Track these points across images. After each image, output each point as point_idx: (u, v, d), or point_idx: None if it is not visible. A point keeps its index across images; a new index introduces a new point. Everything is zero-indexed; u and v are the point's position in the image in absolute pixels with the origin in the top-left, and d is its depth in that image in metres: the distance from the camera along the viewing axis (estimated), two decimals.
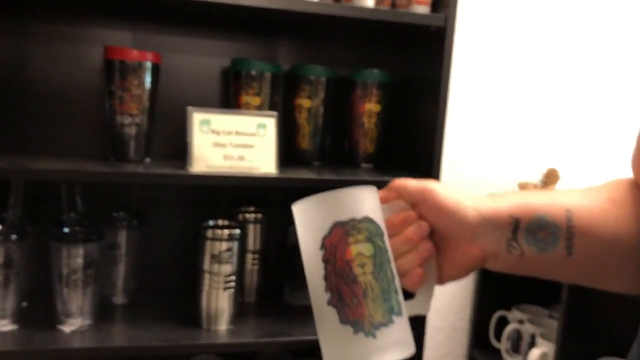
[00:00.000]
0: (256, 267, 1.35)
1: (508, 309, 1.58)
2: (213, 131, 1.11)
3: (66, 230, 1.13)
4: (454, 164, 1.59)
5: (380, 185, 0.56)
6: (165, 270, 1.38)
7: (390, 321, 0.50)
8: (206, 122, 1.11)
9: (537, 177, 1.68)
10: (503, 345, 1.54)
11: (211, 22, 1.32)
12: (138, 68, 1.14)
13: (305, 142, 1.33)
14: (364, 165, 1.36)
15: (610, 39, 1.69)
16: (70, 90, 1.28)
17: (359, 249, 0.50)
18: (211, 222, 1.19)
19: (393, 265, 0.53)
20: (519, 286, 1.61)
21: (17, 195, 1.14)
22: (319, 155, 1.35)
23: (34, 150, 1.25)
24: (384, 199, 0.55)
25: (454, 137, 1.59)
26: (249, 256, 1.34)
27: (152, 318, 1.22)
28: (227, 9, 1.11)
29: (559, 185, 1.64)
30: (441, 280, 0.57)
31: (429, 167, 1.18)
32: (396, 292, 0.52)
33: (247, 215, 1.34)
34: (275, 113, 1.17)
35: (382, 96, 1.33)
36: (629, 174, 0.62)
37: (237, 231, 1.17)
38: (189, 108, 1.11)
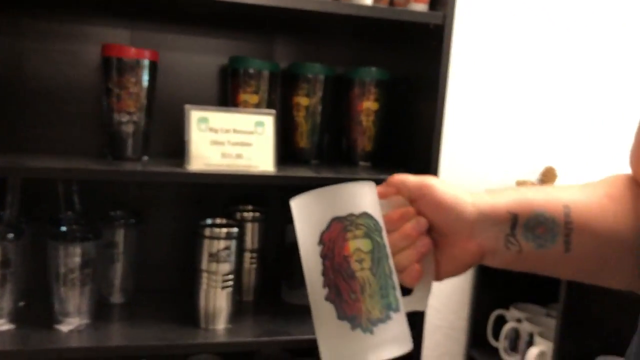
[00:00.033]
0: (254, 266, 1.35)
1: (506, 307, 1.58)
2: (211, 129, 1.11)
3: (63, 228, 1.13)
4: (452, 162, 1.58)
5: (378, 182, 0.56)
6: (163, 269, 1.38)
7: (388, 317, 0.50)
8: (204, 120, 1.11)
9: (534, 176, 1.68)
10: (501, 344, 1.54)
11: (209, 20, 1.32)
12: (136, 66, 1.14)
13: (303, 140, 1.32)
14: (362, 163, 1.35)
15: (610, 39, 1.69)
16: (68, 88, 1.28)
17: (357, 244, 0.50)
18: (209, 221, 1.19)
19: (391, 261, 0.53)
20: (517, 285, 1.61)
21: (14, 193, 1.13)
22: (317, 154, 1.34)
23: (31, 148, 1.25)
24: (382, 195, 0.55)
25: (452, 136, 1.59)
26: (247, 255, 1.33)
27: (150, 317, 1.21)
28: (225, 6, 1.10)
29: (557, 183, 1.64)
30: (439, 276, 0.57)
31: (427, 165, 1.18)
32: (394, 288, 0.52)
33: (245, 214, 1.34)
34: (273, 111, 1.17)
35: (380, 94, 1.32)
36: (626, 172, 0.62)
37: (235, 230, 1.17)
38: (187, 106, 1.11)
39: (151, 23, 1.31)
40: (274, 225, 1.38)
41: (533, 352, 1.37)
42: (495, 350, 1.57)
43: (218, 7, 1.14)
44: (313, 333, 0.52)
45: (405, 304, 0.53)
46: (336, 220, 0.50)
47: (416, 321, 1.21)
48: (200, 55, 1.34)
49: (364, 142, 1.34)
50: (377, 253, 0.51)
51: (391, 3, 1.25)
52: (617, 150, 1.68)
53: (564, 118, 1.69)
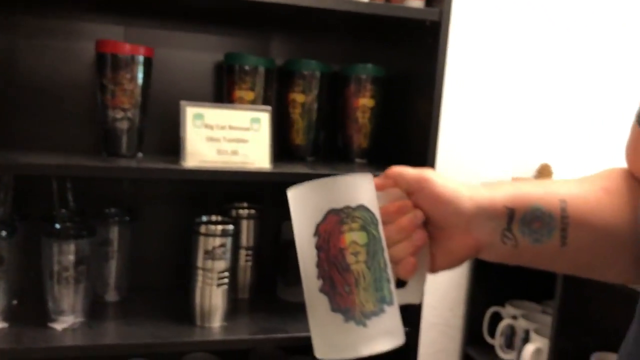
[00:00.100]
0: (249, 263, 1.34)
1: (502, 304, 1.59)
2: (206, 126, 1.10)
3: (57, 226, 1.12)
4: (448, 160, 1.58)
5: (375, 176, 0.55)
6: (158, 267, 1.37)
7: (382, 310, 0.50)
8: (199, 117, 1.10)
9: (530, 173, 1.68)
10: (497, 341, 1.54)
11: (204, 16, 1.31)
12: (130, 62, 1.13)
13: (299, 137, 1.32)
14: (358, 160, 1.35)
15: (608, 38, 1.69)
16: (61, 85, 1.26)
17: (353, 237, 0.50)
18: (204, 218, 1.18)
19: (386, 254, 0.52)
20: (513, 282, 1.62)
21: (7, 190, 1.12)
22: (312, 151, 1.34)
23: (24, 145, 1.23)
24: (379, 187, 0.55)
25: (448, 133, 1.59)
26: (242, 252, 1.33)
27: (144, 315, 1.20)
28: (220, 2, 1.10)
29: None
30: (434, 269, 0.57)
31: (423, 162, 1.18)
32: (388, 281, 0.52)
33: (241, 211, 1.33)
34: (269, 107, 1.16)
35: (376, 91, 1.32)
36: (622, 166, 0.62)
37: (231, 227, 1.16)
38: (182, 102, 1.10)
39: (145, 19, 1.30)
40: (269, 222, 1.37)
41: (529, 349, 1.37)
42: (491, 348, 1.57)
43: (213, 3, 1.13)
44: (309, 331, 0.52)
45: (399, 297, 0.53)
46: (332, 212, 0.50)
47: (412, 319, 1.20)
48: (196, 51, 1.33)
49: (359, 139, 1.34)
50: (372, 246, 0.51)
51: None
52: (612, 148, 1.68)
53: (560, 115, 1.70)
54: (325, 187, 0.51)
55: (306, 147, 1.33)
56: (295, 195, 0.52)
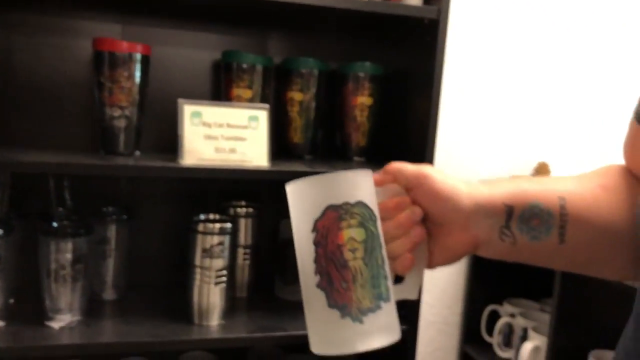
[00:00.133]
0: (247, 262, 1.34)
1: (499, 303, 1.59)
2: (204, 123, 1.10)
3: (54, 224, 1.11)
4: (446, 158, 1.58)
5: (374, 171, 0.55)
6: (155, 265, 1.37)
7: (378, 307, 0.51)
8: (197, 115, 1.10)
9: (528, 172, 1.68)
10: (495, 339, 1.54)
11: (202, 14, 1.30)
12: (127, 60, 1.13)
13: (297, 135, 1.32)
14: (356, 158, 1.35)
15: (609, 38, 1.69)
16: (59, 83, 1.26)
17: (351, 233, 0.50)
18: (202, 216, 1.18)
19: (384, 251, 0.53)
20: (511, 280, 1.62)
21: (4, 189, 1.12)
22: (310, 149, 1.34)
23: (21, 143, 1.23)
24: (378, 182, 0.55)
25: (447, 131, 1.59)
26: (240, 251, 1.32)
27: (142, 314, 1.20)
28: (217, 0, 1.09)
29: None
30: (432, 265, 0.58)
31: (422, 160, 1.18)
32: (385, 277, 0.52)
33: (239, 210, 1.33)
34: (267, 105, 1.16)
35: (375, 89, 1.32)
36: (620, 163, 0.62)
37: (229, 225, 1.16)
38: (180, 100, 1.10)
39: (143, 17, 1.29)
40: (267, 221, 1.37)
41: (527, 346, 1.37)
42: (489, 346, 1.57)
43: (211, 1, 1.13)
44: (306, 328, 0.52)
45: (396, 292, 0.54)
46: (331, 209, 0.50)
47: (410, 316, 1.20)
48: (193, 49, 1.33)
49: (358, 137, 1.34)
50: (370, 243, 0.51)
51: None
52: (610, 147, 1.68)
53: (558, 114, 1.70)
54: (324, 182, 0.51)
55: (304, 146, 1.33)
56: (294, 190, 0.52)
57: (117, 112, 1.14)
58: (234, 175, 1.12)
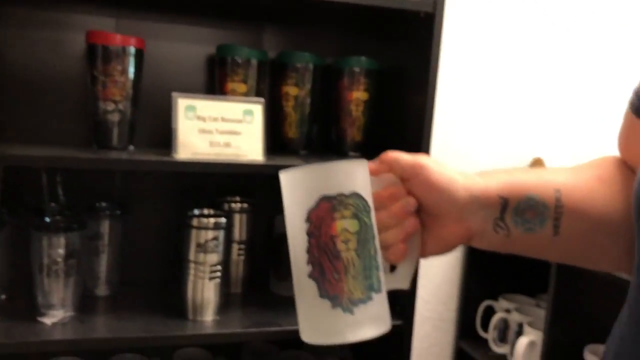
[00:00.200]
0: (242, 257, 1.33)
1: (495, 298, 1.59)
2: (199, 117, 1.09)
3: (47, 219, 1.10)
4: (441, 153, 1.58)
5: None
6: (149, 261, 1.36)
7: (369, 298, 0.51)
8: (191, 108, 1.09)
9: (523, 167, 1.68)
10: (490, 335, 1.54)
11: (196, 8, 1.29)
12: (121, 53, 1.12)
13: (292, 130, 1.31)
14: (351, 154, 1.34)
15: (607, 37, 1.69)
16: (52, 77, 1.25)
17: (344, 224, 0.50)
18: (196, 211, 1.17)
19: (377, 241, 0.52)
20: (506, 276, 1.62)
21: None
22: (306, 144, 1.33)
23: (13, 138, 1.22)
24: (373, 172, 0.55)
25: (442, 126, 1.58)
26: (235, 246, 1.32)
27: (136, 309, 1.19)
28: None
29: None
30: (424, 255, 0.57)
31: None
32: (377, 268, 0.52)
33: (233, 205, 1.32)
34: (262, 99, 1.15)
35: (370, 84, 1.31)
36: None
37: (223, 220, 1.15)
38: (174, 94, 1.09)
39: (137, 11, 1.28)
40: (262, 216, 1.36)
41: (523, 341, 1.37)
42: (484, 341, 1.57)
43: None
44: (297, 318, 0.52)
45: (388, 282, 0.54)
46: (325, 199, 0.50)
47: (406, 312, 1.20)
48: (188, 44, 1.32)
49: (353, 132, 1.33)
50: (363, 234, 0.51)
51: None
52: (606, 145, 1.68)
53: (554, 111, 1.70)
54: (319, 172, 0.51)
55: (299, 141, 1.32)
56: (288, 179, 0.52)
57: (110, 106, 1.13)
58: (228, 169, 1.11)
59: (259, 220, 1.36)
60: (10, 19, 1.21)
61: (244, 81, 1.24)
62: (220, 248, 1.15)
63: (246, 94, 1.24)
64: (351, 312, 0.50)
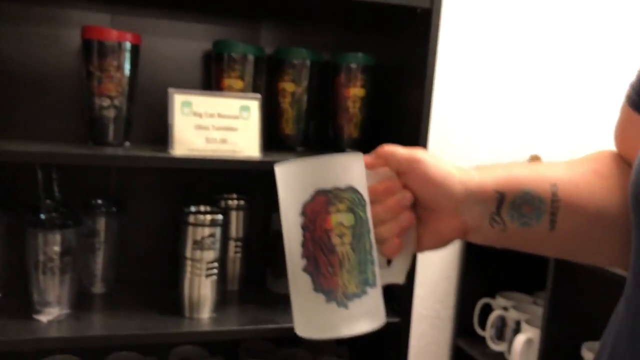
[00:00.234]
0: (239, 255, 1.33)
1: (492, 296, 1.58)
2: (195, 113, 1.08)
3: (42, 216, 1.09)
4: (439, 150, 1.58)
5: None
6: (145, 258, 1.35)
7: (364, 292, 0.50)
8: (187, 104, 1.08)
9: None
10: (487, 333, 1.54)
11: (193, 3, 1.29)
12: (117, 49, 1.11)
13: (289, 127, 1.30)
14: (348, 150, 1.34)
15: (606, 36, 1.69)
16: (47, 73, 1.24)
17: (340, 218, 0.50)
18: (193, 208, 1.17)
19: (372, 235, 0.52)
20: (503, 274, 1.62)
21: None
22: (302, 141, 1.32)
23: (8, 134, 1.21)
24: (369, 165, 0.54)
25: (440, 123, 1.58)
26: (232, 244, 1.31)
27: (132, 307, 1.18)
28: None
29: None
30: (420, 249, 0.57)
31: None
32: (372, 263, 0.52)
33: (230, 202, 1.32)
34: (258, 95, 1.14)
35: (367, 81, 1.31)
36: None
37: (220, 217, 1.14)
38: (170, 89, 1.08)
39: (133, 7, 1.27)
40: (259, 213, 1.36)
41: (520, 339, 1.37)
42: (482, 339, 1.56)
43: None
44: (292, 312, 0.52)
45: (383, 277, 0.53)
46: (320, 193, 0.49)
47: (403, 310, 1.20)
48: (184, 40, 1.32)
49: (350, 129, 1.33)
50: (358, 228, 0.51)
51: None
52: (604, 142, 1.68)
53: (552, 108, 1.69)
54: (315, 166, 0.50)
55: (296, 137, 1.31)
56: (283, 172, 0.51)
57: (106, 102, 1.12)
58: (224, 165, 1.11)
59: (256, 218, 1.35)
60: (5, 15, 1.21)
61: (241, 77, 1.24)
62: (217, 245, 1.14)
63: (243, 91, 1.24)
64: (346, 306, 0.50)
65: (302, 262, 0.50)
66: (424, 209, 0.55)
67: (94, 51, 1.10)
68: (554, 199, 0.55)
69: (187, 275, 1.13)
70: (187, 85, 1.26)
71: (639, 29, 1.71)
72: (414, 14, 1.16)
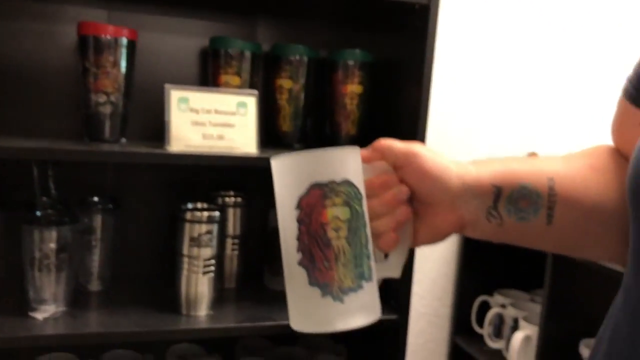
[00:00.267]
0: (236, 252, 1.32)
1: (490, 294, 1.58)
2: (191, 109, 1.08)
3: (38, 213, 1.09)
4: (436, 146, 1.57)
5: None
6: (142, 255, 1.35)
7: (360, 287, 0.50)
8: (184, 100, 1.08)
9: None
10: (485, 330, 1.53)
11: None
12: (113, 44, 1.10)
13: (286, 123, 1.30)
14: None
15: (604, 36, 1.69)
16: (43, 69, 1.23)
17: (335, 212, 0.50)
18: (190, 205, 1.16)
19: (368, 230, 0.52)
20: (501, 271, 1.61)
21: None
22: (300, 138, 1.32)
23: (3, 130, 1.20)
24: (366, 159, 0.54)
25: (438, 120, 1.58)
26: (229, 241, 1.31)
27: (129, 304, 1.18)
28: None
29: None
30: (416, 244, 0.57)
31: None
32: (368, 257, 0.51)
33: (227, 199, 1.31)
34: (255, 92, 1.14)
35: (365, 77, 1.30)
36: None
37: (217, 214, 1.14)
38: (167, 85, 1.08)
39: (129, 3, 1.27)
40: (256, 211, 1.35)
41: (518, 336, 1.37)
42: (479, 337, 1.56)
43: None
44: (287, 306, 0.52)
45: (379, 270, 0.53)
46: (316, 187, 0.49)
47: (401, 308, 1.19)
48: (180, 36, 1.31)
49: (347, 126, 1.32)
50: (354, 222, 0.50)
51: None
52: (602, 140, 1.68)
53: (550, 107, 1.69)
54: (310, 159, 0.50)
55: (293, 134, 1.31)
56: (279, 165, 0.51)
57: (102, 99, 1.12)
58: (221, 162, 1.10)
59: (253, 215, 1.35)
60: (0, 11, 1.20)
61: (238, 74, 1.23)
62: (214, 242, 1.14)
63: (240, 87, 1.23)
64: (341, 300, 0.49)
65: (297, 256, 0.50)
66: (420, 203, 0.55)
67: (90, 47, 1.09)
68: (551, 194, 0.55)
69: (184, 272, 1.13)
70: (183, 82, 1.26)
71: (636, 25, 1.71)
72: (412, 10, 1.16)
